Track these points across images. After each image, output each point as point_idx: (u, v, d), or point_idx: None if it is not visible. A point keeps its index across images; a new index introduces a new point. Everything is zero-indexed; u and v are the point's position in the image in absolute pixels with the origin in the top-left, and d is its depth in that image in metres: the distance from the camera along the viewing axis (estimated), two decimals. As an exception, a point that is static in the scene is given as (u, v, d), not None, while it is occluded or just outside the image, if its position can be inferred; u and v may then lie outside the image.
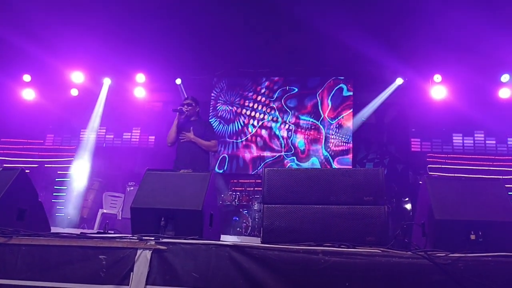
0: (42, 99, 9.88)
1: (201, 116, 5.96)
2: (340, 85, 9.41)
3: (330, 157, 9.00)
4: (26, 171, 3.56)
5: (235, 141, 9.49)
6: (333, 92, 9.41)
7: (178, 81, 9.44)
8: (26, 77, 9.68)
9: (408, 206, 7.80)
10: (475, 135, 8.97)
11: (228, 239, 6.22)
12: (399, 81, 8.97)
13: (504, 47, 7.53)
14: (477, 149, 8.86)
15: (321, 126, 9.23)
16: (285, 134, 9.32)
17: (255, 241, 4.39)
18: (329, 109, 9.31)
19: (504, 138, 8.85)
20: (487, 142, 8.91)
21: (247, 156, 9.35)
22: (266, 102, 9.59)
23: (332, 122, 9.22)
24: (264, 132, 9.44)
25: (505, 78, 8.47)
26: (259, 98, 9.64)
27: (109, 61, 9.06)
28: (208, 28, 8.31)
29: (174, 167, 5.42)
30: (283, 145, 9.25)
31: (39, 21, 7.92)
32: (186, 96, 5.89)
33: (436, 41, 7.82)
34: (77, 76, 9.49)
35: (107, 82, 9.64)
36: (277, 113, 9.47)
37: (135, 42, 8.01)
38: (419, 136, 9.10)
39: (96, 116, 9.69)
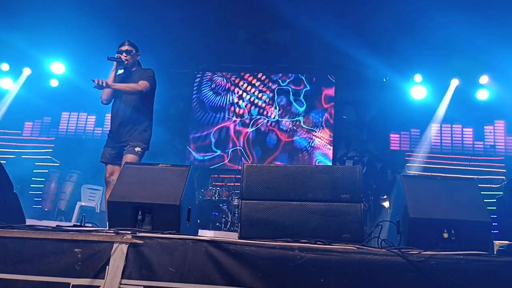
0: (20, 88, 9.69)
1: (141, 65, 4.85)
2: (323, 82, 9.48)
3: (310, 152, 9.10)
4: (3, 162, 3.50)
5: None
6: (315, 89, 9.47)
7: None
8: (4, 66, 9.49)
9: (386, 204, 7.91)
10: (453, 126, 9.12)
11: (207, 234, 6.23)
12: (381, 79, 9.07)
13: (484, 48, 7.66)
14: (455, 149, 9.01)
15: (302, 122, 9.29)
16: (270, 121, 9.43)
17: (233, 237, 4.40)
18: (311, 105, 9.38)
19: (481, 133, 9.01)
20: (464, 133, 9.05)
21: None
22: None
23: (313, 118, 9.29)
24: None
25: (483, 79, 8.62)
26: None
27: (90, 52, 8.93)
28: (191, 22, 8.27)
29: (108, 136, 4.69)
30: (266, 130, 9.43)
31: (19, 10, 7.78)
32: (123, 41, 4.68)
33: (417, 41, 7.93)
34: (57, 67, 9.35)
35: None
36: (266, 100, 9.56)
37: (116, 33, 7.91)
38: (397, 128, 9.21)
39: None
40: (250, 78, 9.72)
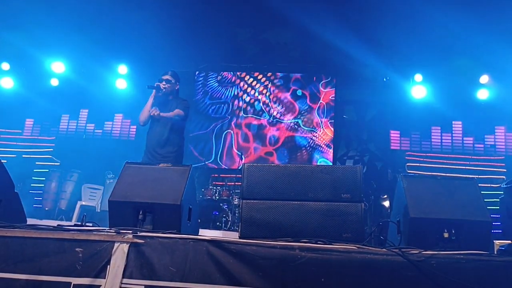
0: (21, 88, 9.70)
1: (178, 94, 5.34)
2: (323, 82, 9.48)
3: (310, 151, 9.10)
4: (3, 161, 3.50)
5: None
6: (315, 88, 9.47)
7: None
8: (5, 65, 9.49)
9: (386, 203, 7.90)
10: (453, 128, 9.09)
11: (207, 233, 6.23)
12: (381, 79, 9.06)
13: (484, 48, 7.66)
14: (455, 149, 9.00)
15: (302, 121, 9.29)
16: (270, 120, 9.44)
17: (234, 236, 4.40)
18: (311, 105, 9.37)
19: (481, 136, 8.99)
20: (464, 139, 9.04)
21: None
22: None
23: (313, 118, 9.29)
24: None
25: (484, 79, 8.61)
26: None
27: (91, 52, 8.93)
28: (192, 21, 8.28)
29: (145, 153, 5.03)
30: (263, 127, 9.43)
31: (19, 9, 7.78)
32: (166, 71, 5.20)
33: (418, 41, 7.93)
34: (58, 66, 9.34)
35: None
36: (266, 99, 9.55)
37: (117, 33, 7.92)
38: (398, 129, 9.19)
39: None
40: (250, 78, 9.71)
